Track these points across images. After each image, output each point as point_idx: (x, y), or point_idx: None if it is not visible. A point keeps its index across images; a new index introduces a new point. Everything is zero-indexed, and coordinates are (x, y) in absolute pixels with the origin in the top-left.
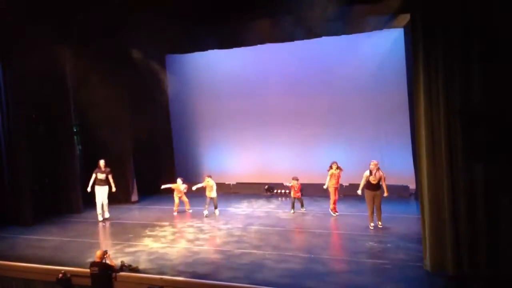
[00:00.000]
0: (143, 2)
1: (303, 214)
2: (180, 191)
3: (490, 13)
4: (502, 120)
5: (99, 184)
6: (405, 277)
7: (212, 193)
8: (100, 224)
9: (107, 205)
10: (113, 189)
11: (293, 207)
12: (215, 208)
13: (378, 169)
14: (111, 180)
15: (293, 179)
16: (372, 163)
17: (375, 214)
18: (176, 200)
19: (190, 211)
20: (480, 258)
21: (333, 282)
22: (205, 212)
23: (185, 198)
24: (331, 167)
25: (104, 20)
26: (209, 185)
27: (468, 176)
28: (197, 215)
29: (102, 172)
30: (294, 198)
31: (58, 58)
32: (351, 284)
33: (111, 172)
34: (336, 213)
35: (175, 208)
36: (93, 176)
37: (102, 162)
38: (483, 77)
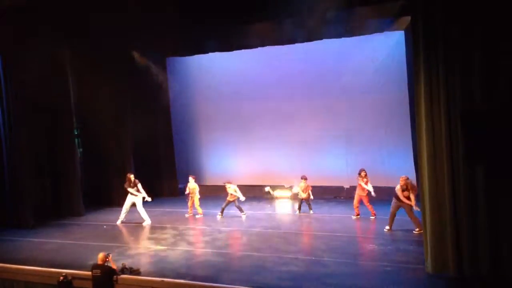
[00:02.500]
0: (144, 5)
1: (306, 216)
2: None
3: (491, 13)
4: (504, 122)
5: (132, 195)
6: (407, 279)
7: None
8: (101, 227)
9: (142, 211)
10: (147, 198)
11: (299, 208)
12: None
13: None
14: (142, 191)
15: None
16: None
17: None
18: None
19: (186, 215)
20: (482, 260)
21: (334, 285)
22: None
23: (191, 202)
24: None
25: (106, 23)
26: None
27: (469, 177)
28: (199, 218)
29: (132, 186)
30: (302, 199)
31: (60, 60)
32: (353, 286)
33: (140, 182)
34: (372, 217)
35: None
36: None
37: (132, 176)
38: (484, 79)
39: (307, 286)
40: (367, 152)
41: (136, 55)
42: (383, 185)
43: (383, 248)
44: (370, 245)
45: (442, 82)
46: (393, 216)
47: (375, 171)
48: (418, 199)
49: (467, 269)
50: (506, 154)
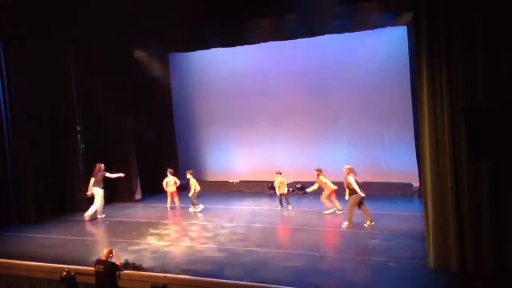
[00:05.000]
0: (146, 1)
1: (308, 212)
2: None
3: (494, 10)
4: (506, 118)
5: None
6: (409, 274)
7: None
8: (104, 222)
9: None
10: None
11: (280, 203)
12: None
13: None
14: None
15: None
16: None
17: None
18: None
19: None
20: (484, 256)
21: (337, 280)
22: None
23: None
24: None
25: (107, 19)
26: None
27: (472, 173)
28: (201, 213)
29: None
30: (281, 194)
31: (62, 58)
32: (355, 281)
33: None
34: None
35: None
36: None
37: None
38: (487, 75)
39: (310, 282)
40: (370, 148)
41: (138, 51)
42: (386, 181)
43: (386, 243)
44: (373, 240)
45: (445, 77)
46: (363, 210)
47: (378, 167)
48: (419, 194)
49: (469, 265)
50: (509, 150)
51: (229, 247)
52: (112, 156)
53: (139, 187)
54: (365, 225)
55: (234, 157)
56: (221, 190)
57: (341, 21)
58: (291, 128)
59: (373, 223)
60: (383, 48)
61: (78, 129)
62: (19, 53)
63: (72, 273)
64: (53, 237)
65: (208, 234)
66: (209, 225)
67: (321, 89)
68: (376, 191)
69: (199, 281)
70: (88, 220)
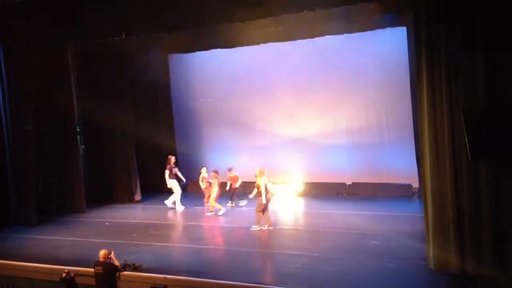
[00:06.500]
0: (146, 1)
1: (308, 213)
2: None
3: (494, 10)
4: (506, 117)
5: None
6: (409, 275)
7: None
8: (104, 224)
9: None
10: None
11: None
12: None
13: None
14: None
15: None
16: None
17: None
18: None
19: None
20: (484, 257)
21: (337, 281)
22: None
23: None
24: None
25: (107, 20)
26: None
27: (471, 174)
28: (201, 214)
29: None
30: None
31: (62, 58)
32: (355, 282)
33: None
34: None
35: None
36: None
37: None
38: (487, 75)
39: (310, 282)
40: (369, 148)
41: (138, 51)
42: (385, 181)
43: (386, 244)
44: (373, 241)
45: (445, 78)
46: (265, 215)
47: (377, 167)
48: (418, 195)
49: (469, 266)
50: (509, 150)
51: (229, 248)
52: (112, 156)
53: (138, 188)
54: (263, 228)
55: (234, 157)
56: (221, 190)
57: (341, 21)
58: (291, 128)
59: (271, 227)
60: (383, 48)
61: (78, 129)
62: (19, 53)
63: (72, 274)
64: (53, 238)
65: (208, 235)
66: (210, 226)
67: (321, 90)
68: (376, 192)
69: (199, 282)
70: (171, 208)
